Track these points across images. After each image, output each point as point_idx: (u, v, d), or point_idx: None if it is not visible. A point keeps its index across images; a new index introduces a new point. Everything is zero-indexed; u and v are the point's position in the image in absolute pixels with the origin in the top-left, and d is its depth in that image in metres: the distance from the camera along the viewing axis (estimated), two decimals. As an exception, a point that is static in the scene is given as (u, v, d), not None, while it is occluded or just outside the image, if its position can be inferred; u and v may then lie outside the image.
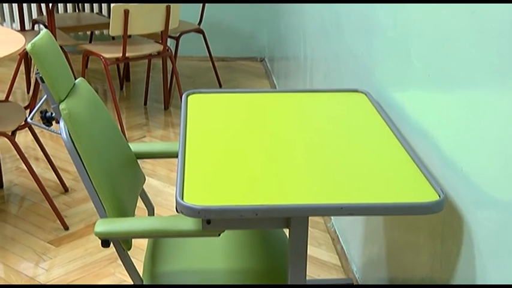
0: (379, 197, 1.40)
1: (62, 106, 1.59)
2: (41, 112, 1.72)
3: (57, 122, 1.67)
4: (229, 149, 1.64)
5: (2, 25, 3.54)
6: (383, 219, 2.05)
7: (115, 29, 3.49)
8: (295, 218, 1.46)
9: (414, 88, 1.74)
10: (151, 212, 2.00)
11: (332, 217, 2.77)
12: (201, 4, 4.33)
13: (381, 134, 1.74)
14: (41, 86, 1.66)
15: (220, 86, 4.54)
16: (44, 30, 1.68)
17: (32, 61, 4.33)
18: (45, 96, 1.69)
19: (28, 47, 1.56)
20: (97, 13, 4.81)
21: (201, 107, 1.93)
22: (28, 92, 4.27)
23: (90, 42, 4.68)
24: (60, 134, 1.62)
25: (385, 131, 1.76)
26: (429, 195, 1.40)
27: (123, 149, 1.82)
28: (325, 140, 1.70)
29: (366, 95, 2.04)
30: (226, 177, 1.49)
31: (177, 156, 1.89)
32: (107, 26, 4.29)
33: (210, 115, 1.87)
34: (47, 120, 1.71)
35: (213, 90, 2.07)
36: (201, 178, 1.48)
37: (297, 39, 3.58)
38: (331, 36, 2.71)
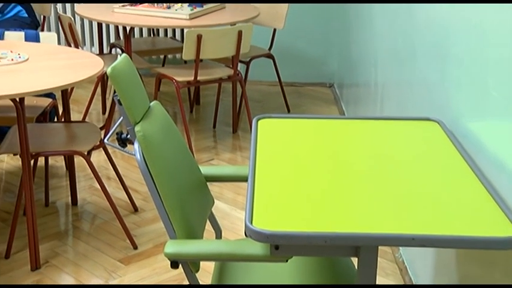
0: (453, 229, 1.36)
1: (137, 128, 1.64)
2: (117, 133, 1.77)
3: (132, 143, 1.71)
4: (298, 175, 1.64)
5: (82, 49, 3.69)
6: (455, 252, 1.99)
7: (188, 53, 3.57)
8: (365, 247, 1.43)
9: (492, 119, 1.69)
10: (218, 235, 2.01)
11: (400, 247, 2.71)
12: (272, 29, 4.38)
13: (454, 164, 1.70)
14: (117, 108, 1.71)
15: (289, 111, 4.56)
16: (123, 55, 1.74)
17: (108, 83, 4.49)
18: (121, 118, 1.74)
19: (108, 70, 1.61)
20: (171, 37, 4.95)
21: (271, 132, 1.94)
22: (103, 113, 4.41)
23: (163, 65, 4.81)
24: (134, 155, 1.67)
25: (459, 162, 1.71)
26: (507, 230, 1.35)
27: (194, 172, 1.85)
28: (396, 169, 1.67)
29: (438, 123, 1.99)
30: (295, 203, 1.49)
31: (245, 180, 1.90)
32: (179, 50, 4.40)
33: (279, 140, 1.88)
34: (122, 142, 1.76)
35: (283, 115, 2.08)
36: (270, 203, 1.49)
37: (368, 65, 3.56)
38: (404, 64, 2.68)
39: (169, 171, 1.65)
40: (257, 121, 2.03)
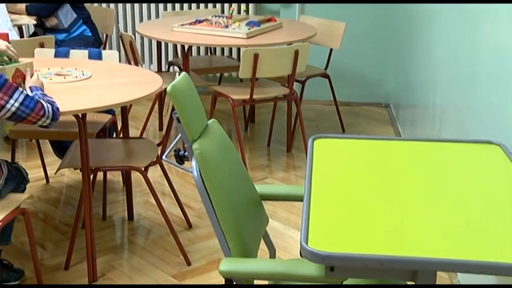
0: (516, 256, 1.32)
1: (194, 146, 1.66)
2: (175, 150, 1.80)
3: (188, 161, 1.74)
4: (354, 196, 1.62)
5: (142, 66, 3.78)
6: (517, 280, 1.92)
7: (244, 71, 3.60)
8: (423, 272, 1.40)
9: (557, 142, 1.64)
10: (272, 254, 2.01)
11: (458, 273, 2.64)
12: (329, 49, 4.38)
13: (517, 189, 1.65)
14: (176, 125, 1.74)
15: (343, 131, 4.53)
16: (182, 73, 1.78)
17: (166, 100, 4.57)
18: (179, 136, 1.77)
19: (168, 88, 1.65)
20: (227, 56, 5.01)
21: (326, 152, 1.93)
22: (160, 130, 4.49)
23: (219, 83, 4.87)
24: (192, 172, 1.69)
25: (522, 186, 1.66)
26: None
27: (250, 190, 1.86)
28: (455, 192, 1.63)
29: (500, 147, 1.94)
30: (351, 224, 1.47)
31: (300, 200, 1.90)
32: (235, 68, 4.45)
33: (335, 160, 1.87)
34: (180, 159, 1.79)
35: (339, 135, 2.08)
36: (326, 224, 1.48)
37: (426, 87, 3.51)
38: (465, 86, 2.63)
39: (225, 189, 1.67)
40: (313, 141, 2.02)
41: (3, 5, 3.82)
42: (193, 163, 1.67)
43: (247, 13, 4.84)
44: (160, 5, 5.03)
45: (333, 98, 4.47)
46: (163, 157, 1.92)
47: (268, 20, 4.18)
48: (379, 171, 1.79)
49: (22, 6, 4.15)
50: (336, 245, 1.38)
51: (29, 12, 4.16)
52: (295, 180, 3.74)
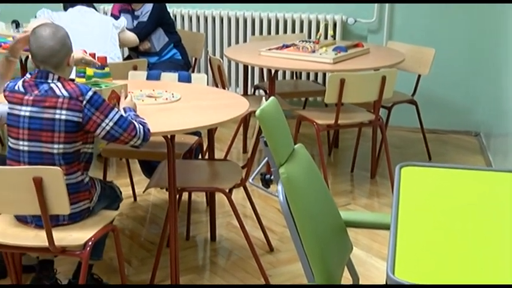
0: None
1: (281, 170, 1.67)
2: (261, 174, 1.82)
3: (274, 184, 1.75)
4: (442, 227, 1.57)
5: (228, 89, 3.85)
6: None
7: (330, 96, 3.60)
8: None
9: None
10: (355, 282, 1.98)
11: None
12: (417, 75, 4.30)
13: None
14: (263, 149, 1.76)
15: (430, 159, 4.42)
16: (271, 98, 1.80)
17: (251, 123, 4.63)
18: (265, 159, 1.79)
19: (257, 112, 1.67)
20: (313, 81, 5.02)
21: (414, 180, 1.89)
22: (244, 152, 4.54)
23: (304, 108, 4.88)
24: (277, 196, 1.69)
25: None
26: None
27: (334, 216, 1.85)
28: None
29: None
30: (439, 256, 1.43)
31: (385, 229, 1.86)
32: (320, 93, 4.45)
33: (422, 189, 1.82)
34: (266, 182, 1.80)
35: (427, 164, 2.03)
36: (413, 254, 1.44)
37: (520, 115, 3.37)
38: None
39: (310, 214, 1.66)
40: (400, 168, 1.99)
41: (116, 35, 4.01)
42: (280, 187, 1.68)
43: (334, 38, 4.84)
44: (248, 30, 5.13)
45: (419, 125, 4.37)
46: (250, 180, 1.94)
47: (356, 46, 4.17)
48: (469, 202, 1.73)
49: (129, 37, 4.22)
50: (423, 276, 1.34)
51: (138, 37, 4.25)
52: (378, 208, 3.67)
